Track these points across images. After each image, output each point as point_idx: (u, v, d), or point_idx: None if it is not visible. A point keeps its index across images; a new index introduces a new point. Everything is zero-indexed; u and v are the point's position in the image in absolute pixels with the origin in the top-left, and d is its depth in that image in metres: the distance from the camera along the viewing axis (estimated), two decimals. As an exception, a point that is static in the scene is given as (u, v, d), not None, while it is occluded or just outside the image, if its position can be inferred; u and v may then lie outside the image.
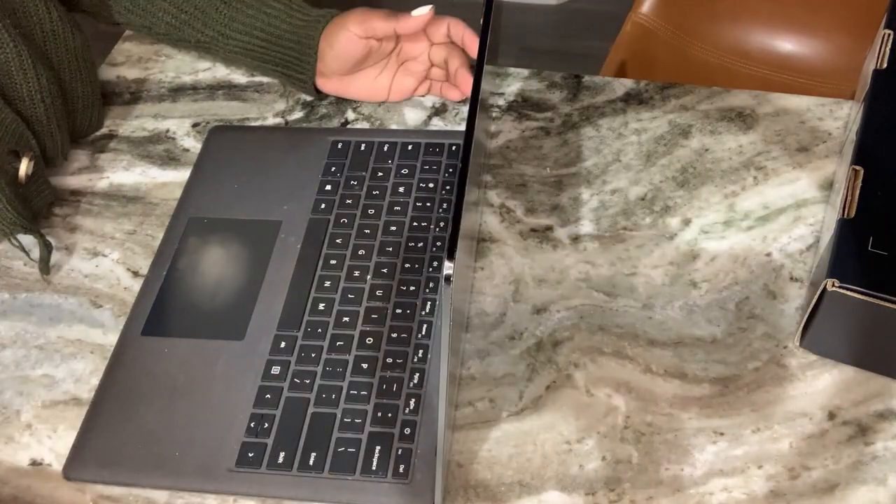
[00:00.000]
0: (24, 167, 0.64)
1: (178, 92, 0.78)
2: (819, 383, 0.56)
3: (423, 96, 0.75)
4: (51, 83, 0.67)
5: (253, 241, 0.65)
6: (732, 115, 0.71)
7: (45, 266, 0.64)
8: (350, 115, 0.74)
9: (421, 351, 0.57)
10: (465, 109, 0.74)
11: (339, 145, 0.70)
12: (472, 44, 0.71)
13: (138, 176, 0.72)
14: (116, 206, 0.70)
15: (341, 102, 0.75)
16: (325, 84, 0.73)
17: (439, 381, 0.44)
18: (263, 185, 0.68)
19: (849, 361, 0.56)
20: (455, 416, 0.56)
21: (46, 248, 0.64)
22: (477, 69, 0.49)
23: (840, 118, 0.70)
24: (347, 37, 0.69)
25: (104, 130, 0.75)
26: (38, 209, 0.67)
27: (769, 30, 0.96)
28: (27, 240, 0.65)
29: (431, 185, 0.67)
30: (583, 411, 0.55)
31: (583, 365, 0.57)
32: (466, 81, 0.71)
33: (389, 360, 0.57)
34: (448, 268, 0.39)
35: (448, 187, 0.67)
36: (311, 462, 0.53)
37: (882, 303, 0.50)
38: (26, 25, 0.66)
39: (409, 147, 0.69)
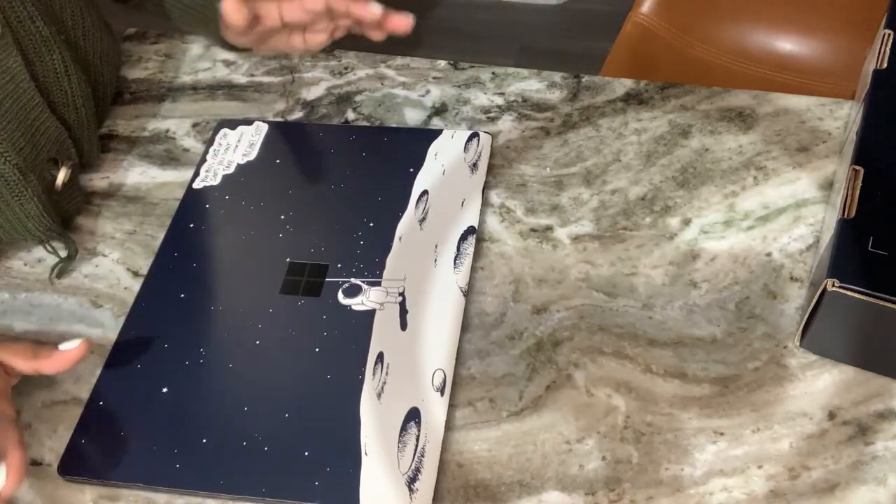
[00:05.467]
0: (63, 176, 0.65)
1: (178, 92, 0.78)
2: (819, 383, 0.56)
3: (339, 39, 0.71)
4: (87, 87, 0.67)
5: (253, 241, 0.65)
6: (732, 115, 0.71)
7: (61, 272, 0.64)
8: (350, 115, 0.74)
9: (421, 351, 0.57)
10: (465, 109, 0.74)
11: (339, 145, 0.70)
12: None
13: (138, 176, 0.72)
14: (116, 206, 0.70)
15: (341, 102, 0.75)
16: (236, 39, 0.69)
17: None
18: (263, 185, 0.68)
19: (849, 361, 0.56)
20: (455, 416, 0.55)
21: (72, 255, 0.64)
22: None
23: (840, 118, 0.70)
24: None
25: (104, 130, 0.75)
26: (69, 215, 0.67)
27: (769, 30, 0.96)
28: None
29: (431, 185, 0.67)
30: (583, 411, 0.55)
31: (583, 365, 0.57)
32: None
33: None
34: None
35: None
36: (310, 462, 0.53)
37: (882, 303, 0.50)
38: (66, 31, 0.65)
39: (409, 147, 0.69)
